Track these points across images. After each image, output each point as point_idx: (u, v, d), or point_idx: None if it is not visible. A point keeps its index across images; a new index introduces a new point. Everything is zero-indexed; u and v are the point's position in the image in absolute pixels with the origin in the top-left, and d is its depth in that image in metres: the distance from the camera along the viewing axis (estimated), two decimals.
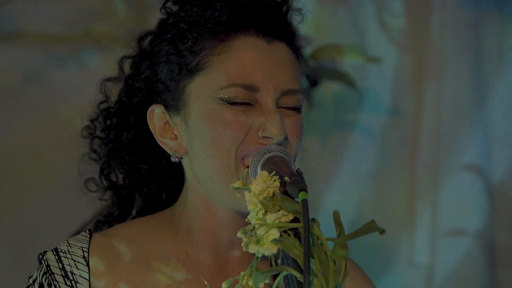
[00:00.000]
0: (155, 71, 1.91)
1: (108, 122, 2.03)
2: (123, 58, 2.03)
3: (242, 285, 1.64)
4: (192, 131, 1.86)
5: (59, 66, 2.92)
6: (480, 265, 3.13)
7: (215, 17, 1.85)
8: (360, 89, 3.16)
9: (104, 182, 2.05)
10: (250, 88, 1.81)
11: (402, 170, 3.23)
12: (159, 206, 2.02)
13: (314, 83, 3.12)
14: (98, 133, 2.04)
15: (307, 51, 3.08)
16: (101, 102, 2.05)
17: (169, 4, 1.94)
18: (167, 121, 1.90)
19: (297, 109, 1.86)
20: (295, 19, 1.94)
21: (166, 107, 1.90)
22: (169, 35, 1.89)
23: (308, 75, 3.09)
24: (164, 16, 1.94)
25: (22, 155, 2.89)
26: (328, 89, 3.18)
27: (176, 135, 1.89)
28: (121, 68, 2.03)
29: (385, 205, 3.21)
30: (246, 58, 1.83)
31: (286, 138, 1.82)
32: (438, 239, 3.16)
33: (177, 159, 1.90)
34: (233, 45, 1.85)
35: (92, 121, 2.05)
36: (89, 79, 2.91)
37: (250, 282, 1.63)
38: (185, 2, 1.91)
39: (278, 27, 1.88)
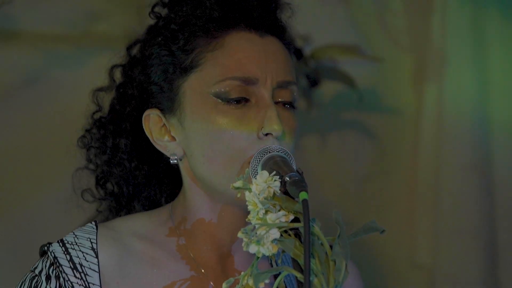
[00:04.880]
0: (147, 75, 1.92)
1: (102, 131, 2.03)
2: (113, 67, 2.04)
3: (242, 285, 1.64)
4: (188, 133, 1.86)
5: (59, 66, 2.91)
6: (481, 265, 3.13)
7: (206, 14, 1.87)
8: (360, 89, 3.16)
9: (101, 192, 2.06)
10: (248, 81, 1.82)
11: (402, 170, 3.23)
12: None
13: (314, 83, 3.12)
14: (94, 143, 2.05)
15: (307, 51, 3.08)
16: (94, 112, 2.06)
17: (157, 9, 1.96)
18: (164, 124, 1.90)
19: (291, 104, 1.88)
20: (285, 14, 1.97)
21: (162, 109, 1.91)
22: (159, 38, 1.90)
23: (308, 75, 3.09)
24: (153, 22, 1.96)
25: (22, 155, 2.89)
26: (328, 89, 3.18)
27: (173, 137, 1.90)
28: (111, 77, 2.04)
29: (385, 205, 3.21)
30: (241, 52, 1.85)
31: (283, 133, 1.83)
32: (439, 239, 3.15)
33: (176, 160, 1.90)
34: (226, 40, 1.86)
35: (87, 131, 2.06)
36: (89, 79, 2.91)
37: (251, 282, 1.63)
38: (174, 4, 1.93)
39: (269, 21, 1.90)
